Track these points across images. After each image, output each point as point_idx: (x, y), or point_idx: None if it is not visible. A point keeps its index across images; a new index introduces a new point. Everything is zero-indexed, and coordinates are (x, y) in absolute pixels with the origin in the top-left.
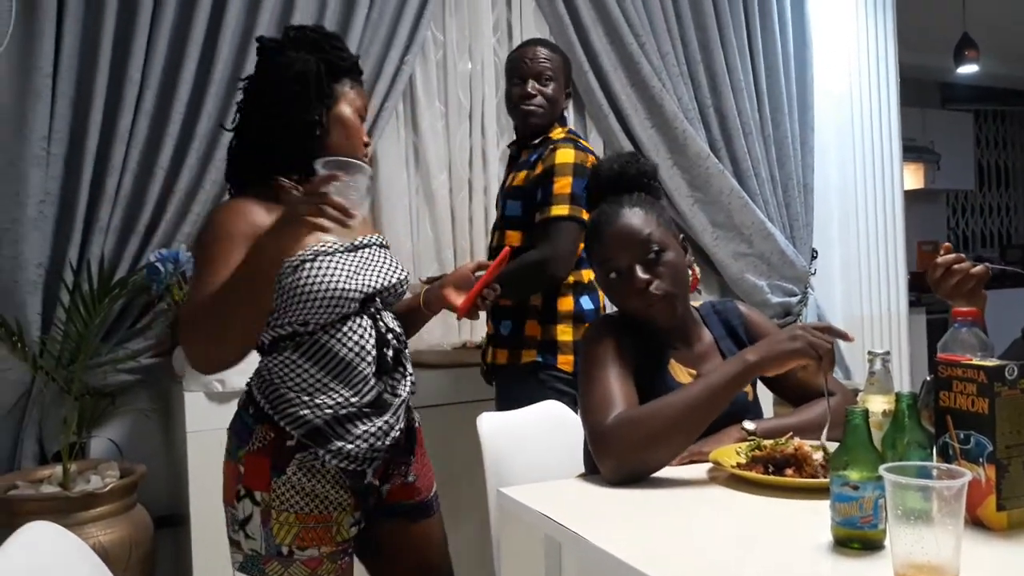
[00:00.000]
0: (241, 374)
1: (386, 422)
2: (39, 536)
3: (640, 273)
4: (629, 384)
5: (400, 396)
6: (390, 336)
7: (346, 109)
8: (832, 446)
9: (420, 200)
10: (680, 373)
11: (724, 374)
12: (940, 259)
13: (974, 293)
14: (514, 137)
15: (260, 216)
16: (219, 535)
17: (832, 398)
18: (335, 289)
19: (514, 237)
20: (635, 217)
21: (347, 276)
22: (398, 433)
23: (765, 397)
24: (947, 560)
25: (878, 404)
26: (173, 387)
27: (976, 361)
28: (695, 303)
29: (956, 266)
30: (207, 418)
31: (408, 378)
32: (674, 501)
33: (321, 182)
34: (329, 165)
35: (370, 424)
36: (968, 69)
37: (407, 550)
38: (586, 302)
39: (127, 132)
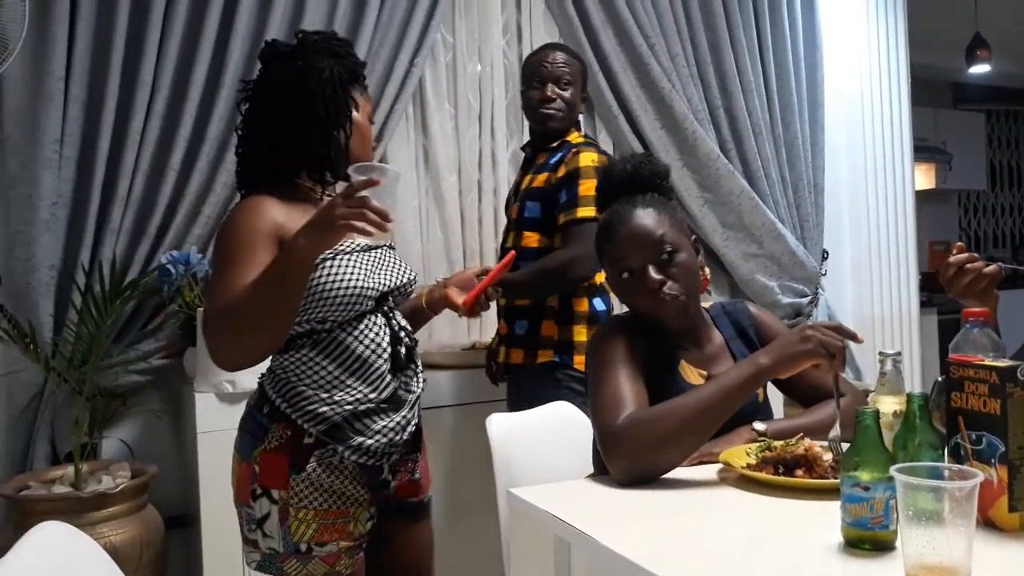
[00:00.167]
0: (252, 374)
1: (404, 417)
2: (51, 536)
3: (653, 273)
4: (639, 385)
5: (414, 392)
6: (403, 334)
7: (361, 115)
8: (845, 447)
9: (430, 201)
10: (690, 374)
11: (736, 377)
12: (953, 258)
13: (986, 293)
14: (524, 139)
15: (279, 213)
16: (230, 535)
17: (843, 399)
18: (354, 287)
19: (532, 238)
20: (648, 217)
21: (365, 275)
22: (414, 428)
23: (775, 398)
24: (959, 561)
25: (889, 405)
26: (184, 388)
27: (988, 362)
28: (705, 304)
29: (969, 265)
30: (218, 419)
31: (420, 375)
32: (684, 502)
33: (361, 186)
34: (364, 171)
35: (388, 419)
36: (980, 69)
37: (405, 548)
38: (599, 303)
39: (139, 135)
